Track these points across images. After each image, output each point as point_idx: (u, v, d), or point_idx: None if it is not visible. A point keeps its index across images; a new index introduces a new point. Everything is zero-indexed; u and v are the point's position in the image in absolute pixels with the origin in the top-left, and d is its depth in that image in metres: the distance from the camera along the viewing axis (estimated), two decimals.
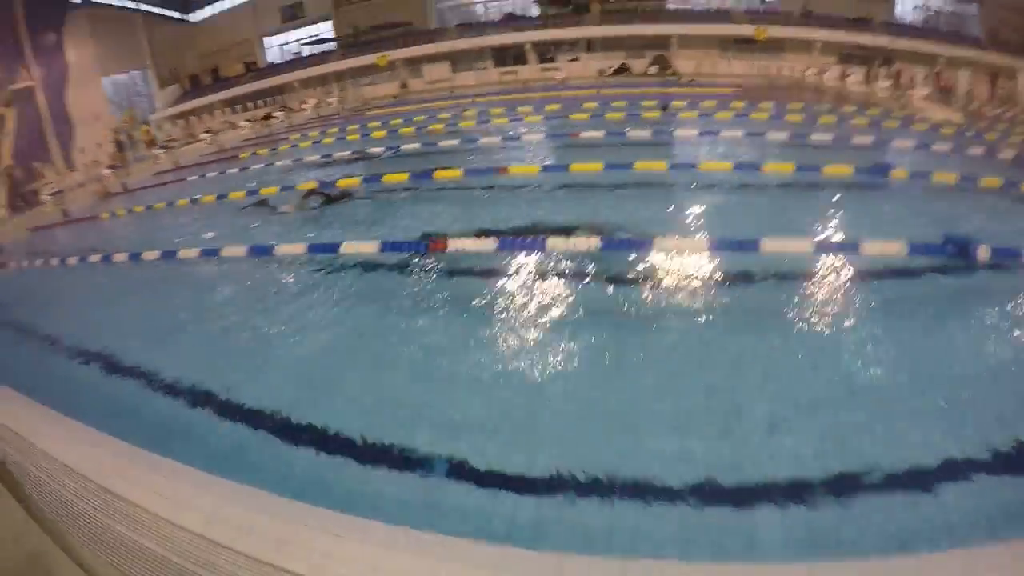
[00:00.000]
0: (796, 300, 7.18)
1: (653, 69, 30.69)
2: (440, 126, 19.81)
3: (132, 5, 36.06)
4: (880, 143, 14.66)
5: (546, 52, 32.63)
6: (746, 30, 31.20)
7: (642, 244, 8.08)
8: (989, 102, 26.38)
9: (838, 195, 11.04)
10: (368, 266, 8.90)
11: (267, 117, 30.35)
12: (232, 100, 35.58)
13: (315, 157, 18.11)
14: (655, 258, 8.00)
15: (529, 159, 13.26)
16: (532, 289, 7.67)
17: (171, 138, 29.63)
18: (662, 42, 31.72)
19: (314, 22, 40.70)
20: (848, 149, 14.14)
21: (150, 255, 10.52)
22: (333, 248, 9.08)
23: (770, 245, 7.81)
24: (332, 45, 39.29)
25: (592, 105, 20.41)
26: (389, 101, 31.08)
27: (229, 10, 40.81)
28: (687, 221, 9.55)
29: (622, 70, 31.23)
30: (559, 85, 28.28)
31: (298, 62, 39.30)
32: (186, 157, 23.99)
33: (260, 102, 34.58)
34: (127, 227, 15.02)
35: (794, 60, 31.71)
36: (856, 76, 27.10)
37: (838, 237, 8.82)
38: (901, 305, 7.05)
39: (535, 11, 35.89)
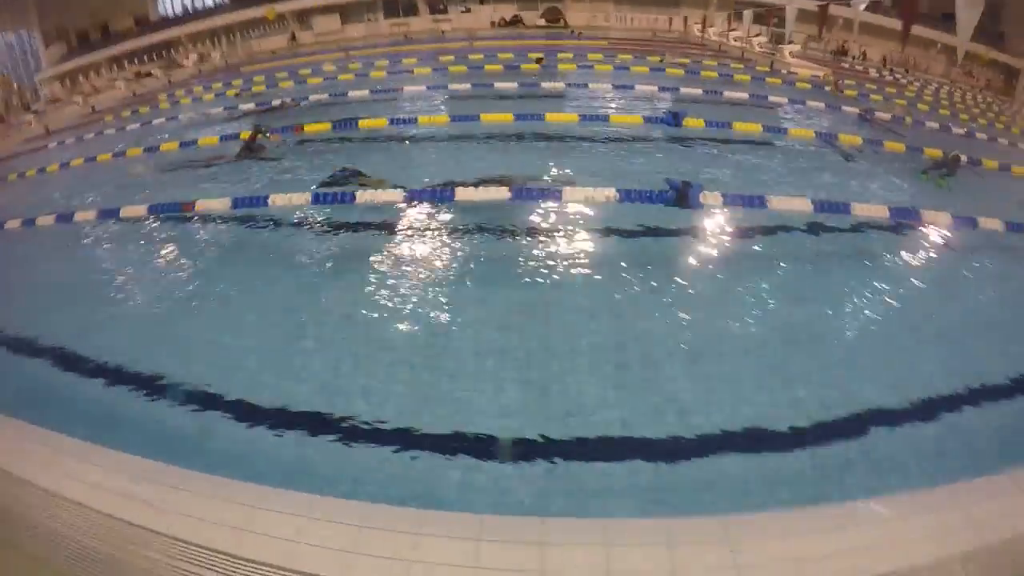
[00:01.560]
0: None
1: (542, 21, 30.26)
2: (291, 83, 19.39)
3: None
4: (711, 94, 14.84)
5: (438, 2, 31.72)
6: None
7: (347, 196, 8.17)
8: (883, 65, 27.15)
9: (606, 145, 11.23)
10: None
11: (141, 75, 28.89)
12: (117, 57, 33.63)
13: (161, 120, 17.37)
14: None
15: (329, 116, 13.06)
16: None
17: (56, 99, 28.01)
18: None
19: None
20: (669, 101, 14.36)
21: None
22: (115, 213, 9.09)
23: (463, 194, 7.99)
24: None
25: (448, 58, 20.10)
26: (269, 56, 29.97)
27: None
28: (418, 172, 9.69)
29: (515, 21, 30.70)
30: (440, 38, 27.69)
31: (188, 15, 37.29)
32: (56, 122, 22.84)
33: (149, 58, 32.75)
34: None
35: (690, 14, 31.68)
36: (737, 32, 27.32)
37: (546, 185, 8.79)
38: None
39: None
